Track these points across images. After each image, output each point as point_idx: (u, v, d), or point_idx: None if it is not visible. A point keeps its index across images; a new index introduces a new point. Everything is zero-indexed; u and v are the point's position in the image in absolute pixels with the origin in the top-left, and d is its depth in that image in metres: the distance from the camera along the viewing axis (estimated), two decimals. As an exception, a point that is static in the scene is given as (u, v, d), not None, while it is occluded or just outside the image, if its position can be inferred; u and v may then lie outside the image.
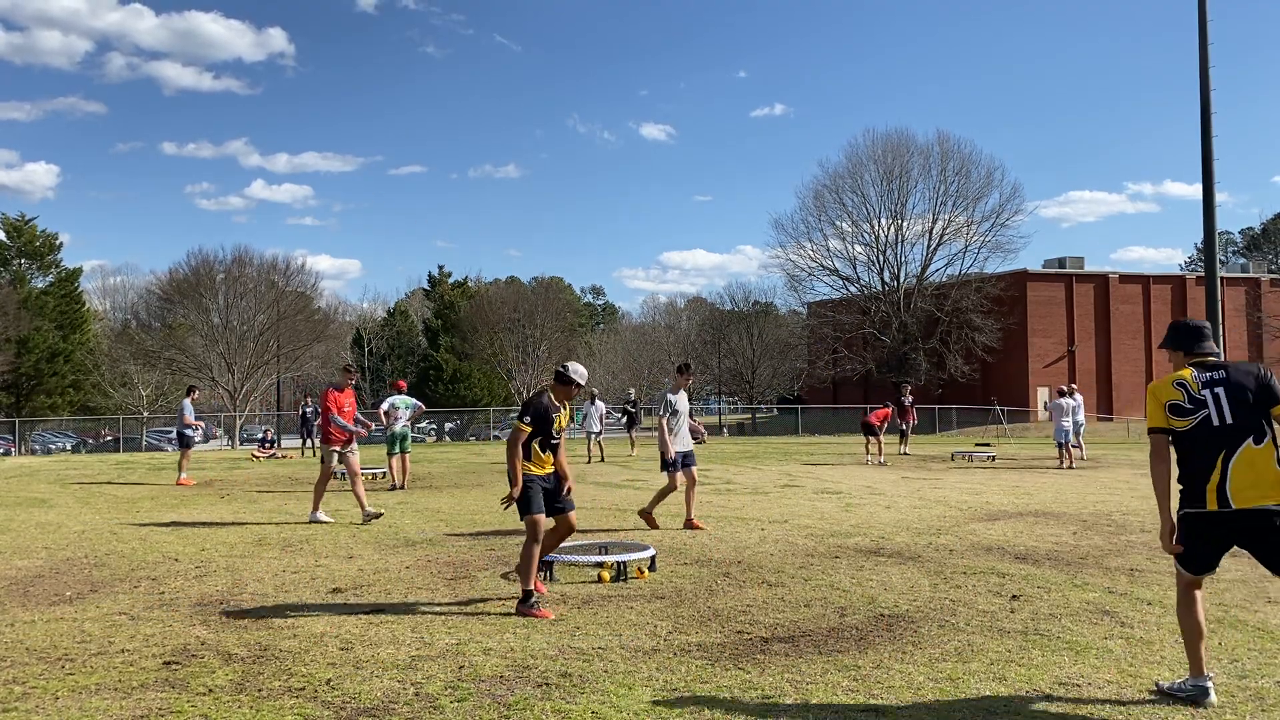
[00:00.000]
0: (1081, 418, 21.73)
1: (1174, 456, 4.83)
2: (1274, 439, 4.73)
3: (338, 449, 11.64)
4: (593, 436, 24.05)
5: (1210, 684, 4.73)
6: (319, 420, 12.87)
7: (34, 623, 6.45)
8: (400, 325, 78.73)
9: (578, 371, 7.14)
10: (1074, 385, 22.18)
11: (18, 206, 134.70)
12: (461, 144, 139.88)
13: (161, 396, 54.92)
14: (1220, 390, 4.77)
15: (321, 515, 11.53)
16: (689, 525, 10.56)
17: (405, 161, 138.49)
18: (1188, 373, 4.88)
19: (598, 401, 24.64)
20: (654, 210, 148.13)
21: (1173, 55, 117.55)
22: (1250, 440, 4.67)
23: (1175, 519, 4.77)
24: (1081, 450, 22.33)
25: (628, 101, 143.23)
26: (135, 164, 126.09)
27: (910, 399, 26.44)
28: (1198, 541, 4.72)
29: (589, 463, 22.20)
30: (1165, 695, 4.79)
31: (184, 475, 17.65)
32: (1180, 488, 4.80)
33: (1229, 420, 4.70)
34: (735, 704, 4.63)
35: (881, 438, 22.57)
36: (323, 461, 11.79)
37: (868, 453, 22.95)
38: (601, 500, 13.84)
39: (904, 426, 25.91)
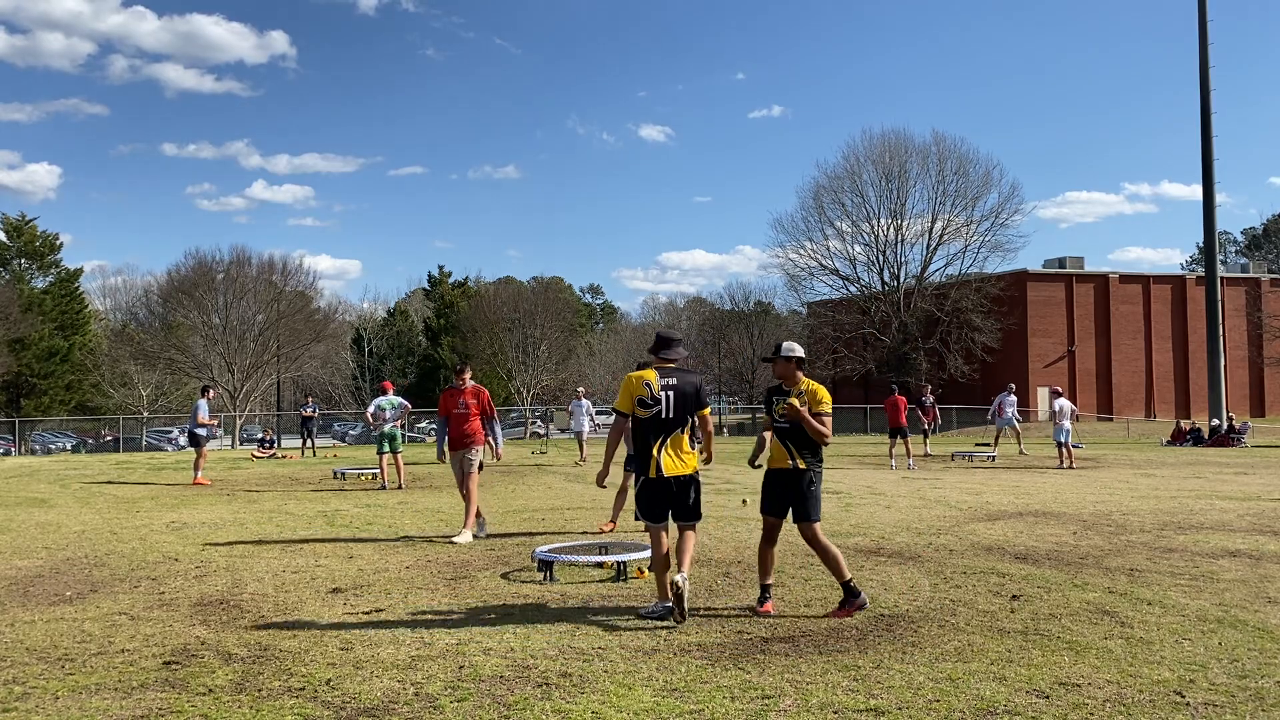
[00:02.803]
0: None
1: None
2: (692, 429, 6.51)
3: (466, 452, 10.31)
4: (581, 436, 22.83)
5: (680, 584, 6.06)
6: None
7: (34, 623, 6.45)
8: (400, 325, 78.70)
9: (792, 348, 6.60)
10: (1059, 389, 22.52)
11: (19, 207, 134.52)
12: (461, 145, 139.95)
13: (161, 396, 54.92)
14: (671, 393, 6.37)
15: (467, 533, 10.09)
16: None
17: (405, 162, 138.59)
18: (653, 374, 6.42)
19: (584, 399, 23.31)
20: (653, 211, 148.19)
21: (1169, 56, 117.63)
22: (679, 430, 6.39)
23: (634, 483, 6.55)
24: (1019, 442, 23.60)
25: (627, 103, 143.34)
26: (136, 165, 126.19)
27: (931, 399, 25.95)
28: (650, 499, 6.40)
29: (578, 464, 21.94)
30: (653, 615, 6.27)
31: (199, 475, 17.63)
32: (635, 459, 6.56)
33: (671, 415, 6.35)
34: (735, 704, 4.63)
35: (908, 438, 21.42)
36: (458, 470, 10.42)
37: (908, 454, 21.62)
38: (602, 500, 13.84)
39: (926, 426, 25.43)
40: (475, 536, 10.16)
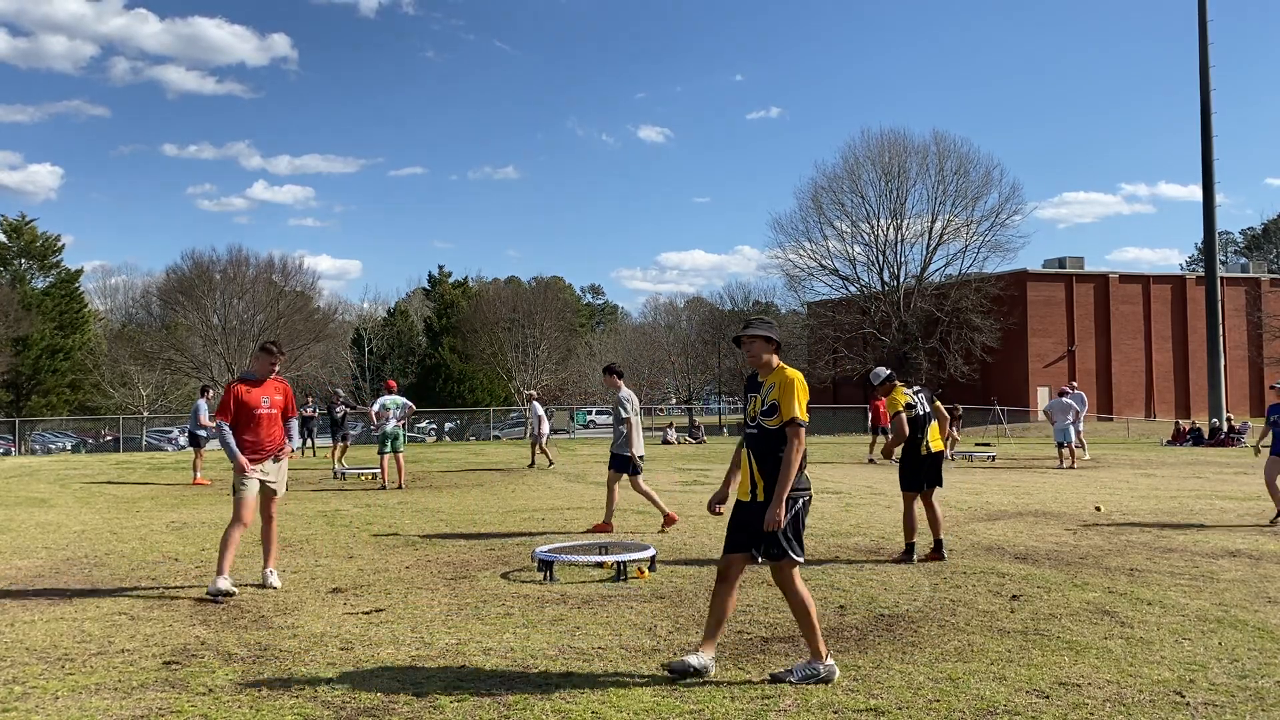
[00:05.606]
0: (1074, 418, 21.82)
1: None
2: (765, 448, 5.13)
3: (274, 469, 7.78)
4: (538, 440, 21.55)
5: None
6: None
7: (34, 623, 6.45)
8: (400, 325, 78.69)
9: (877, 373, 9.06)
10: (1074, 383, 22.00)
11: (20, 208, 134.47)
12: (461, 146, 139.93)
13: (162, 396, 54.92)
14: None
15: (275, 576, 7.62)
16: (669, 521, 10.73)
17: (406, 163, 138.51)
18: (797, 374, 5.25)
19: (535, 403, 21.93)
20: (652, 211, 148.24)
21: (1169, 56, 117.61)
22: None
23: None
24: (1084, 449, 22.49)
25: (625, 104, 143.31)
26: (137, 166, 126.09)
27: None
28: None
29: (538, 466, 20.98)
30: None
31: (199, 475, 17.64)
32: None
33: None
34: (735, 704, 4.63)
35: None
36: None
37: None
38: (601, 500, 13.84)
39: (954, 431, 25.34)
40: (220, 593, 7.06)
